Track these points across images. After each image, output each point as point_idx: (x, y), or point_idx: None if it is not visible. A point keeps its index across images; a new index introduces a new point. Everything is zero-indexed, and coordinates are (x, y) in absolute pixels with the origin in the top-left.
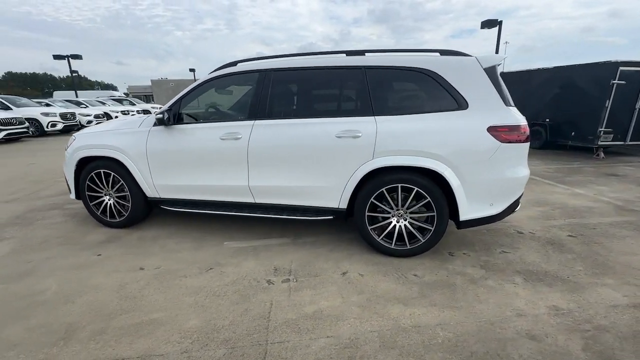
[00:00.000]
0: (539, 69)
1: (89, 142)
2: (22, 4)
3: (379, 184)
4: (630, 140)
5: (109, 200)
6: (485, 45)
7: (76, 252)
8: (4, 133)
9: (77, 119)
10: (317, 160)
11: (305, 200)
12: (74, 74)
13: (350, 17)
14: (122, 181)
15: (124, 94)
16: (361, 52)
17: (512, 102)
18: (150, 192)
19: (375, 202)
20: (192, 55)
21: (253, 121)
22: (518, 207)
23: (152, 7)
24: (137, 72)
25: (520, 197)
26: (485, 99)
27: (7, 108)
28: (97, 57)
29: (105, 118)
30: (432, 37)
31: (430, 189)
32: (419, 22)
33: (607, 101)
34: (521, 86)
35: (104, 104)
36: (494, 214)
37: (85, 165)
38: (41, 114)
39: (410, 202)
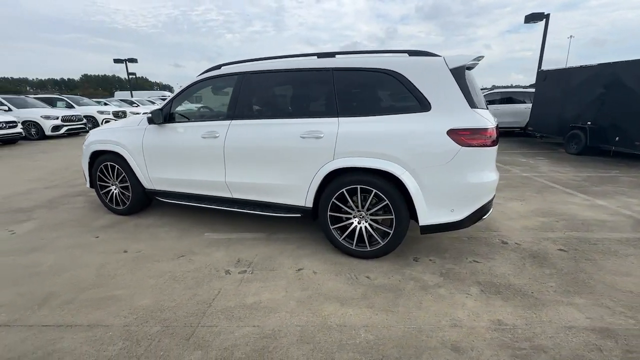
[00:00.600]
0: (580, 67)
1: (100, 137)
2: (97, 13)
3: (340, 185)
4: None
5: (114, 190)
6: (548, 39)
7: (81, 234)
8: (65, 128)
9: (128, 116)
10: (284, 159)
11: (275, 197)
12: (131, 76)
13: (397, 15)
14: (124, 173)
15: None
16: (332, 54)
17: (482, 104)
18: (147, 184)
19: (336, 202)
20: (241, 56)
21: (230, 121)
22: (487, 215)
23: (207, 12)
24: (192, 73)
25: (488, 203)
26: (448, 101)
27: (71, 106)
28: (158, 59)
29: None
30: (485, 33)
31: (388, 192)
32: (471, 18)
33: None
34: (560, 86)
35: (153, 103)
36: (455, 220)
37: (97, 158)
38: (97, 112)
39: (369, 204)
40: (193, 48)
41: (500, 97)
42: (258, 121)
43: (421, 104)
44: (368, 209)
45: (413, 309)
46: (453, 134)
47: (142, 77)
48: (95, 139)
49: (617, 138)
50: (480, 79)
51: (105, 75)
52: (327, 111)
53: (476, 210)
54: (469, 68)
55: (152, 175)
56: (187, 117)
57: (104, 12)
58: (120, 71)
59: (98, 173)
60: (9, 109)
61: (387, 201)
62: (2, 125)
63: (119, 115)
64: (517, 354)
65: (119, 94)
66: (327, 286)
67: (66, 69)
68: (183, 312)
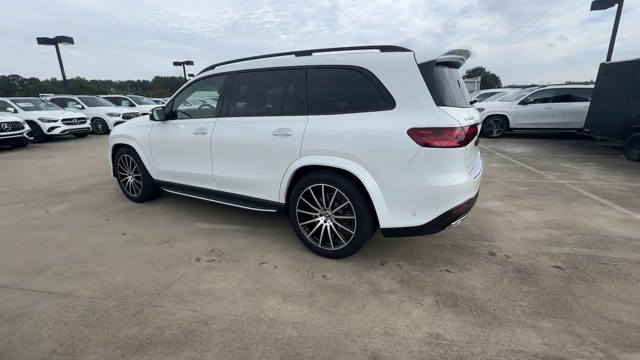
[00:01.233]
0: None
1: (120, 132)
2: (169, 21)
3: (306, 183)
4: None
5: (130, 179)
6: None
7: (96, 216)
8: None
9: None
10: (259, 156)
11: (253, 192)
12: (190, 77)
13: (457, 8)
14: (136, 165)
15: None
16: (309, 52)
17: (458, 102)
18: (154, 174)
19: (303, 199)
20: None
21: (216, 118)
22: (457, 222)
23: (264, 14)
24: None
25: (458, 209)
26: (413, 98)
27: (133, 105)
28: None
29: None
30: (562, 23)
31: (349, 192)
32: (544, 6)
33: None
34: (624, 81)
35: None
36: (417, 225)
37: (117, 150)
38: (151, 109)
39: (333, 203)
40: (250, 49)
41: (555, 95)
42: (239, 118)
43: (386, 102)
44: (332, 208)
45: (352, 312)
46: (413, 133)
47: None
48: (117, 134)
49: None
50: (553, 74)
51: (173, 76)
52: (298, 109)
53: (440, 216)
54: (454, 65)
55: (157, 167)
56: (189, 115)
57: (174, 20)
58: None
59: (118, 164)
60: (82, 107)
61: (348, 201)
62: (74, 121)
63: (130, 117)
64: None
65: None
66: (280, 281)
67: (142, 71)
68: (142, 291)
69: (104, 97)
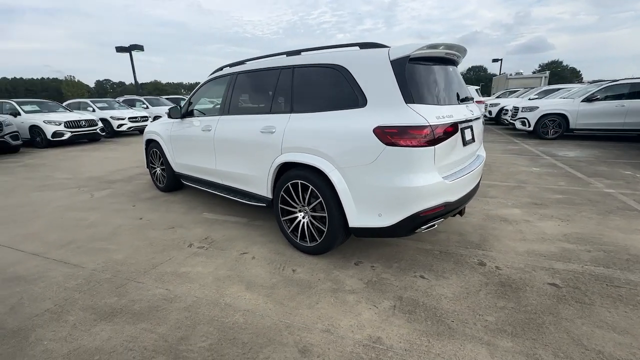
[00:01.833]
0: None
1: (150, 129)
2: (233, 26)
3: (286, 179)
4: None
5: (158, 170)
6: None
7: (126, 202)
8: None
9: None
10: (250, 152)
11: (247, 186)
12: None
13: None
14: (162, 158)
15: None
16: (298, 52)
17: (432, 99)
18: (174, 167)
19: (284, 195)
20: None
21: (220, 116)
22: (430, 226)
23: (321, 15)
24: None
25: (429, 212)
26: (383, 96)
27: None
28: None
29: None
30: None
31: (321, 189)
32: None
33: None
34: None
35: None
36: (383, 226)
37: (149, 144)
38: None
39: (309, 200)
40: None
41: (630, 90)
42: (237, 117)
43: (359, 100)
44: (309, 205)
45: (303, 307)
46: (379, 131)
47: None
48: (148, 130)
49: None
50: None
51: None
52: (284, 107)
53: (407, 219)
54: (447, 62)
55: (176, 161)
56: (204, 113)
57: (238, 24)
58: None
59: (149, 156)
60: (147, 107)
61: (320, 198)
62: (138, 119)
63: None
64: None
65: None
66: (251, 271)
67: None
68: (134, 268)
69: (166, 98)
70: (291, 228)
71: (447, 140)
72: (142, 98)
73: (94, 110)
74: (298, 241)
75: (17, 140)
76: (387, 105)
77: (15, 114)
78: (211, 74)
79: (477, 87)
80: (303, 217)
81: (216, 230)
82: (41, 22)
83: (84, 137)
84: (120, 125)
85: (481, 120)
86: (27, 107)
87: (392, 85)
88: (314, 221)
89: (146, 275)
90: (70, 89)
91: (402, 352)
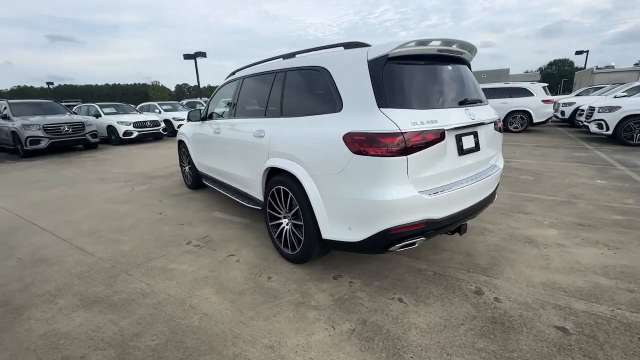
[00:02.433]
0: None
1: (181, 130)
2: (296, 29)
3: (272, 184)
4: None
5: (186, 169)
6: None
7: (156, 197)
8: None
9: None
10: (245, 155)
11: (247, 188)
12: None
13: None
14: (188, 157)
15: None
16: (292, 55)
17: (402, 103)
18: (197, 167)
19: (271, 200)
20: None
21: (227, 119)
22: (407, 245)
23: (384, 13)
24: None
25: (403, 230)
26: (358, 99)
27: None
28: None
29: None
30: None
31: (299, 197)
32: None
33: None
34: None
35: None
36: (354, 240)
37: (180, 144)
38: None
39: (289, 207)
40: None
41: None
42: (240, 120)
43: (337, 104)
44: (290, 212)
45: (259, 318)
46: (348, 138)
47: None
48: (179, 131)
49: None
50: None
51: None
52: (275, 111)
53: (377, 235)
54: (454, 60)
55: (198, 160)
56: (221, 115)
57: (301, 28)
58: None
59: (180, 156)
60: None
61: (298, 206)
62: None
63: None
64: None
65: None
66: (229, 274)
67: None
68: (132, 261)
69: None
70: (277, 234)
71: (427, 150)
72: (201, 100)
73: (160, 112)
74: (282, 248)
75: (96, 138)
76: (360, 110)
77: (97, 115)
78: (226, 78)
79: (543, 84)
80: (287, 224)
81: (218, 230)
82: (136, 35)
83: (149, 135)
84: (179, 126)
85: (493, 126)
86: (107, 110)
87: (367, 87)
88: (294, 229)
89: (138, 269)
90: (155, 92)
91: None
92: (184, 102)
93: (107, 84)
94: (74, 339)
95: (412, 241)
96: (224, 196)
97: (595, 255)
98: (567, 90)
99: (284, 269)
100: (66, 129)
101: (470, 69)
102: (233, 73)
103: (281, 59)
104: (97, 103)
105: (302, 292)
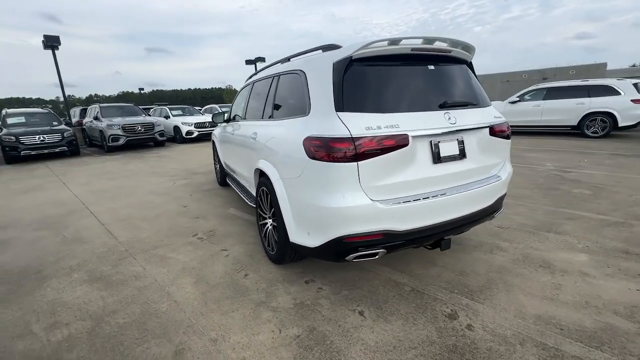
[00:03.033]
0: None
1: (214, 131)
2: (363, 30)
3: (258, 184)
4: None
5: (218, 167)
6: None
7: (189, 191)
8: None
9: None
10: (245, 155)
11: (249, 186)
12: None
13: None
14: (217, 156)
15: None
16: (287, 59)
17: (362, 106)
18: (223, 165)
19: (259, 200)
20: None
21: (240, 122)
22: (360, 257)
23: (457, 7)
24: None
25: (358, 239)
26: (321, 103)
27: None
28: None
29: None
30: None
31: (274, 198)
32: None
33: None
34: None
35: None
36: (312, 246)
37: (213, 144)
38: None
39: (270, 208)
40: None
41: None
42: (246, 122)
43: (307, 107)
44: (271, 212)
45: (218, 312)
46: (307, 142)
47: None
48: (213, 132)
49: None
50: None
51: None
52: (267, 114)
53: (331, 242)
54: (454, 60)
55: (222, 159)
56: (237, 118)
57: (367, 28)
58: None
59: (214, 155)
60: None
61: (274, 207)
62: None
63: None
64: None
65: None
66: (213, 268)
67: None
68: (142, 246)
69: None
70: (263, 233)
71: (384, 156)
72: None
73: None
74: (266, 247)
75: (163, 137)
76: (321, 114)
77: (167, 116)
78: (245, 81)
79: (636, 81)
80: (270, 224)
81: (224, 225)
82: (216, 44)
83: (208, 135)
84: None
85: (488, 132)
86: (175, 112)
87: (329, 90)
88: (273, 230)
89: (143, 254)
90: (228, 96)
91: None
92: None
93: (190, 89)
94: (68, 308)
95: (370, 252)
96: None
97: (625, 291)
98: None
99: (263, 268)
100: (139, 128)
101: (471, 68)
102: (250, 77)
103: (279, 63)
104: (168, 106)
105: (269, 292)
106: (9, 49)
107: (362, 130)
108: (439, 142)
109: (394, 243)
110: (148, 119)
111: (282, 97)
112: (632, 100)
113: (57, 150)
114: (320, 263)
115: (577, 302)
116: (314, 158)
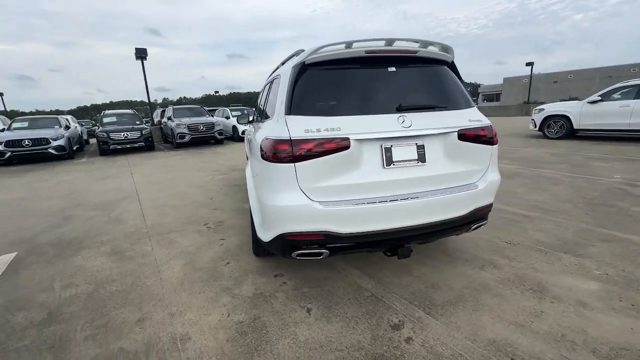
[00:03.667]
0: None
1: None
2: (436, 26)
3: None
4: None
5: None
6: None
7: (222, 187)
8: None
9: None
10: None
11: None
12: None
13: None
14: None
15: None
16: (283, 63)
17: (308, 110)
18: None
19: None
20: (589, 40)
21: (253, 124)
22: (303, 254)
23: None
24: (514, 69)
25: (297, 237)
26: (281, 106)
27: None
28: (481, 59)
29: None
30: None
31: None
32: None
33: None
34: None
35: None
36: (265, 240)
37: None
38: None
39: None
40: (522, 41)
41: None
42: (258, 124)
43: (275, 109)
44: None
45: (186, 292)
46: (263, 144)
47: None
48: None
49: None
50: None
51: None
52: (261, 117)
53: (277, 238)
54: (438, 62)
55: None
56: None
57: (441, 25)
58: None
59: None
60: None
61: None
62: None
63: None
64: None
65: None
66: (205, 254)
67: None
68: (160, 230)
69: None
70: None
71: (323, 158)
72: None
73: None
74: (253, 240)
75: (221, 135)
76: (277, 117)
77: (227, 117)
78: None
79: None
80: None
81: (234, 218)
82: (287, 47)
83: None
84: None
85: (456, 137)
86: (234, 113)
87: (286, 94)
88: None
89: (158, 237)
90: None
91: (187, 357)
92: None
93: (256, 92)
94: (85, 273)
95: (312, 251)
96: None
97: (624, 331)
98: None
99: (245, 259)
100: (201, 127)
101: (453, 68)
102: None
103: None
104: (229, 107)
105: (238, 280)
106: (122, 60)
107: (301, 132)
108: (391, 146)
109: (335, 245)
110: (209, 119)
111: (268, 100)
112: None
113: (136, 145)
114: (295, 260)
115: (550, 334)
116: (264, 158)
